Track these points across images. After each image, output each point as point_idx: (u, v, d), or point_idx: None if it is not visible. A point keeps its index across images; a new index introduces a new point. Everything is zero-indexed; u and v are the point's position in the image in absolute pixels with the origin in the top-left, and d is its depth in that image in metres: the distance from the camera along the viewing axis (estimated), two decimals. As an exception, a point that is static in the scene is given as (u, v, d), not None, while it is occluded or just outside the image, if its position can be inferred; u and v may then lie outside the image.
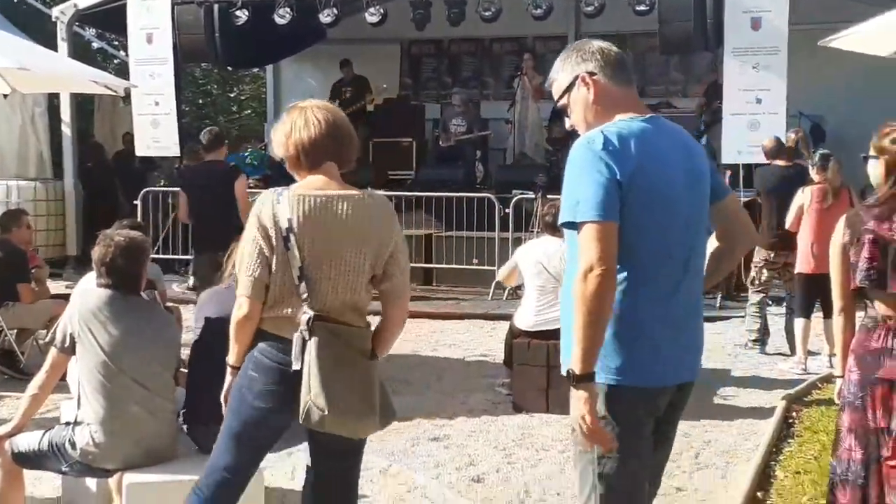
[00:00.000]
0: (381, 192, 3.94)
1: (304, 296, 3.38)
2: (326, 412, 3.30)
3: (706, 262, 3.20)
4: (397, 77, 17.53)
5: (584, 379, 2.86)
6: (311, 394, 3.30)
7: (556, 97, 3.18)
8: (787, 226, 8.25)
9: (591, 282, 2.81)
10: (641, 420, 3.02)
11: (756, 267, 8.88)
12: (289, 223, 3.38)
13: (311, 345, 3.33)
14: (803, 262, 8.14)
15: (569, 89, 3.13)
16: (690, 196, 3.05)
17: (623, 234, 2.88)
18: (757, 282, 8.87)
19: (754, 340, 8.94)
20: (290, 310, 3.41)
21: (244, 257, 3.46)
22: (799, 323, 8.27)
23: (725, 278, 11.05)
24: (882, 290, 3.66)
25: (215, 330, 4.26)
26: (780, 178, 8.76)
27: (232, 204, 7.92)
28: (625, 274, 2.92)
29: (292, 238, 3.37)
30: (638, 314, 2.95)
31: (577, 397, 2.88)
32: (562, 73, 3.15)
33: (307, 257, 3.39)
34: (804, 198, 8.14)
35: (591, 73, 3.08)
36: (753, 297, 8.94)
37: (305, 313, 3.37)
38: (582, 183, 2.88)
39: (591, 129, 3.01)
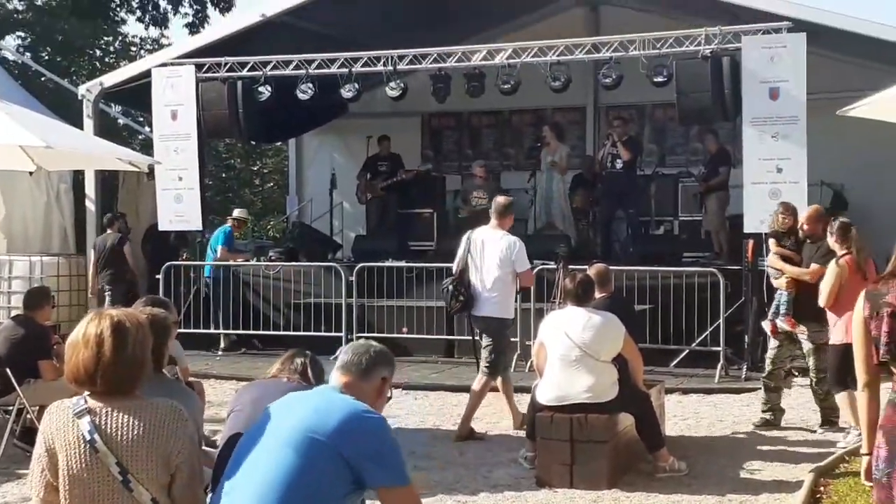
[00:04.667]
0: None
1: None
2: None
3: None
4: (419, 149, 17.69)
5: None
6: None
7: None
8: (824, 303, 7.85)
9: None
10: None
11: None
12: None
13: None
14: (842, 333, 7.75)
15: None
16: (289, 438, 3.37)
17: None
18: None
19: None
20: None
21: None
22: (844, 395, 7.87)
23: (750, 350, 10.98)
24: (905, 365, 3.61)
25: None
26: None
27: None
28: None
29: None
30: None
31: None
32: None
33: None
34: (840, 271, 7.78)
35: None
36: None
37: None
38: None
39: None
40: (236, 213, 14.69)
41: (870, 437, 3.75)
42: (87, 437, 3.15)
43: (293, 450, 3.33)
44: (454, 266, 8.81)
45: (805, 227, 8.57)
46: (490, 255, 8.50)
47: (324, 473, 3.31)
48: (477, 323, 8.76)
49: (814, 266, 8.28)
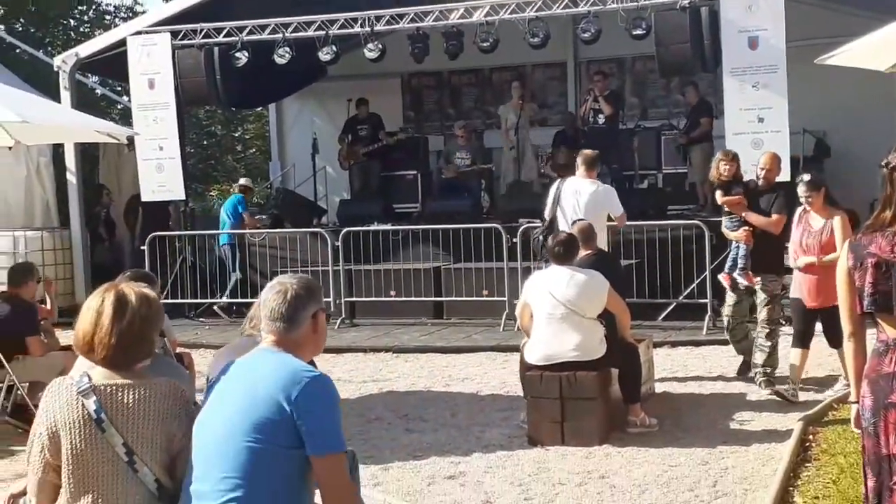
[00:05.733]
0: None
1: None
2: None
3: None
4: (400, 110, 17.61)
5: None
6: None
7: None
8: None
9: None
10: None
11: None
12: None
13: None
14: None
15: None
16: (238, 420, 3.11)
17: None
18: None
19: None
20: None
21: None
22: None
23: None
24: (889, 314, 3.62)
25: None
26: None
27: None
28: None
29: None
30: None
31: None
32: None
33: None
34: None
35: None
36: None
37: None
38: None
39: None
40: (243, 181, 15.45)
41: (857, 386, 3.78)
42: (94, 416, 3.12)
43: (248, 433, 3.07)
44: (545, 215, 9.11)
45: (769, 174, 8.26)
46: (585, 203, 8.85)
47: (281, 449, 3.06)
48: None
49: (776, 216, 8.11)
